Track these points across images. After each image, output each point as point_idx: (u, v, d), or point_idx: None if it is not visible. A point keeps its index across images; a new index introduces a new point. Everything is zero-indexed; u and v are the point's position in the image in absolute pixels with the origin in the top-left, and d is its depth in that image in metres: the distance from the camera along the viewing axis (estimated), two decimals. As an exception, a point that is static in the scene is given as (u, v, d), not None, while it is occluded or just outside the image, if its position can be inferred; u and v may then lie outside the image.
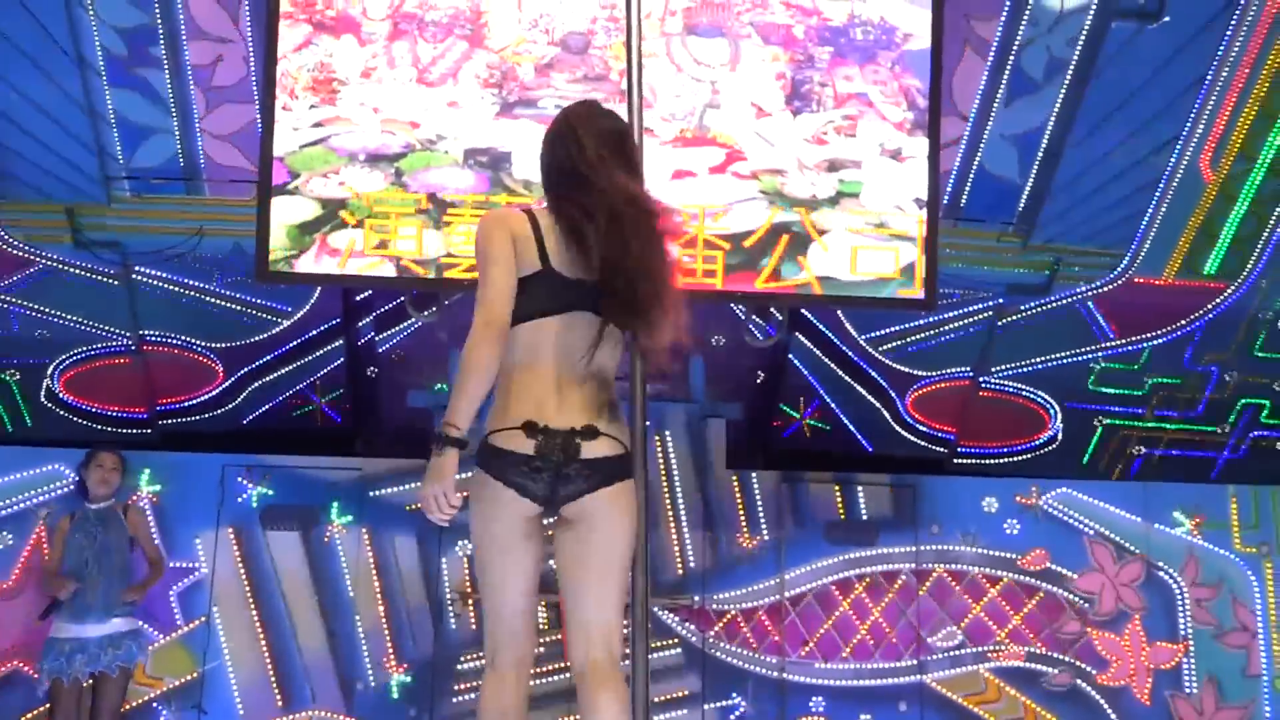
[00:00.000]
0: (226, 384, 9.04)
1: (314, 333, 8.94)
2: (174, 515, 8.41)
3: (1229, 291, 8.95)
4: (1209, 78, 8.19)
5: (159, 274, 8.50)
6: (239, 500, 8.50)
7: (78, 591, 7.20)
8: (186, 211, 8.26)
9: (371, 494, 8.60)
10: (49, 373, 8.92)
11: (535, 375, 3.62)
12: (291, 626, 8.41)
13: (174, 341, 8.85)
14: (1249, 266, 8.85)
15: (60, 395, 9.01)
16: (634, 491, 3.71)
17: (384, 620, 8.46)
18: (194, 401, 9.08)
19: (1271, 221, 8.68)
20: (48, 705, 7.27)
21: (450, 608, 8.42)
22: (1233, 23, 8.03)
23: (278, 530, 8.48)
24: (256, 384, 9.07)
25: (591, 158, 3.70)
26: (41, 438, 8.79)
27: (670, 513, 8.66)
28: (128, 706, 7.60)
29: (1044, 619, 8.89)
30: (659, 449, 8.68)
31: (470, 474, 3.67)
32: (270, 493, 8.52)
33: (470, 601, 8.39)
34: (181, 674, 8.25)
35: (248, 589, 8.42)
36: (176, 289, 8.56)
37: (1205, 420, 9.56)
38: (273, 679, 8.33)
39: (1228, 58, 8.13)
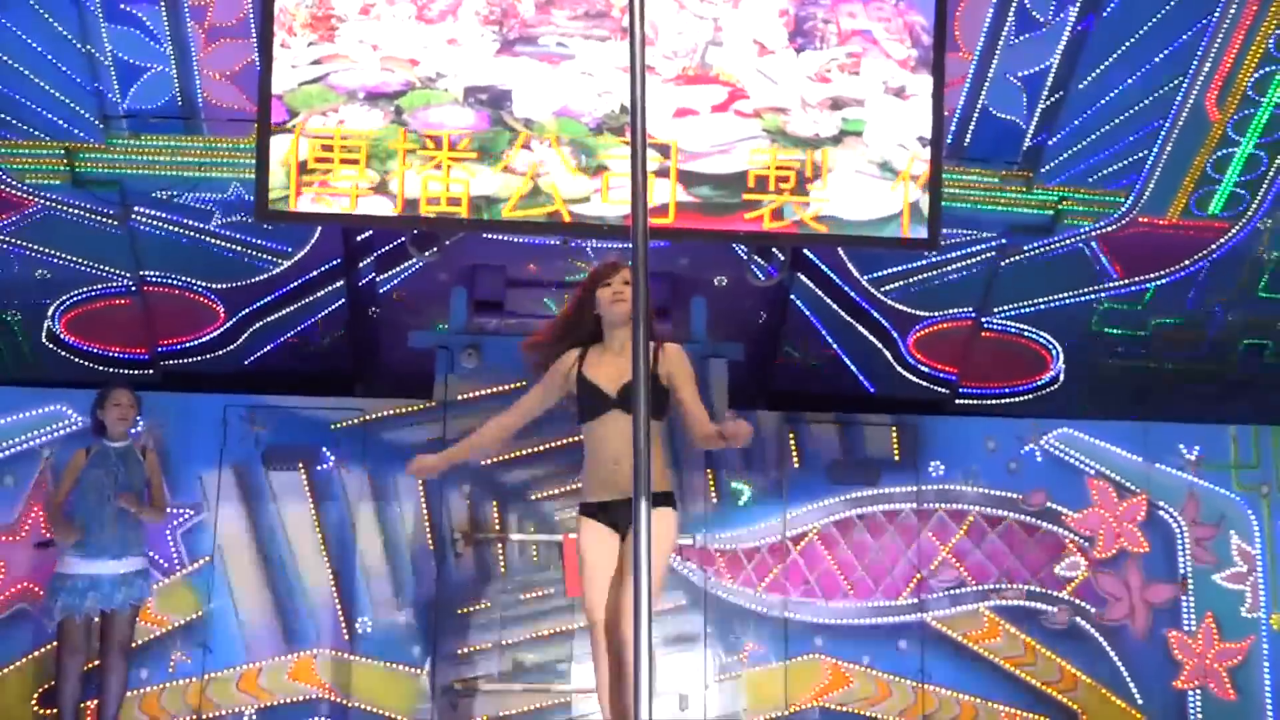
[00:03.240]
0: (228, 325, 9.07)
1: (314, 273, 8.96)
2: (177, 455, 8.45)
3: (1233, 232, 8.98)
4: (1215, 15, 8.18)
5: (158, 214, 8.51)
6: (241, 440, 8.55)
7: (90, 529, 7.23)
8: (186, 150, 8.25)
9: (373, 435, 8.64)
10: (50, 313, 8.95)
11: None
12: (294, 567, 8.48)
13: (175, 282, 8.87)
14: (1254, 207, 8.88)
15: (61, 336, 9.04)
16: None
17: (386, 559, 8.52)
18: (195, 342, 9.12)
19: (1277, 161, 8.69)
20: (56, 641, 7.33)
21: (453, 547, 8.48)
22: (1241, -41, 8.00)
23: (280, 470, 8.54)
24: (258, 324, 9.09)
25: None
26: (43, 378, 8.83)
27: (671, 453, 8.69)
28: (135, 645, 7.68)
29: (1044, 558, 8.97)
30: (661, 389, 8.68)
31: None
32: (272, 433, 8.56)
33: (472, 542, 8.45)
34: (187, 613, 8.34)
35: (250, 529, 8.48)
36: (176, 229, 8.58)
37: (1208, 361, 9.57)
38: (276, 618, 8.41)
39: (1234, -5, 8.11)
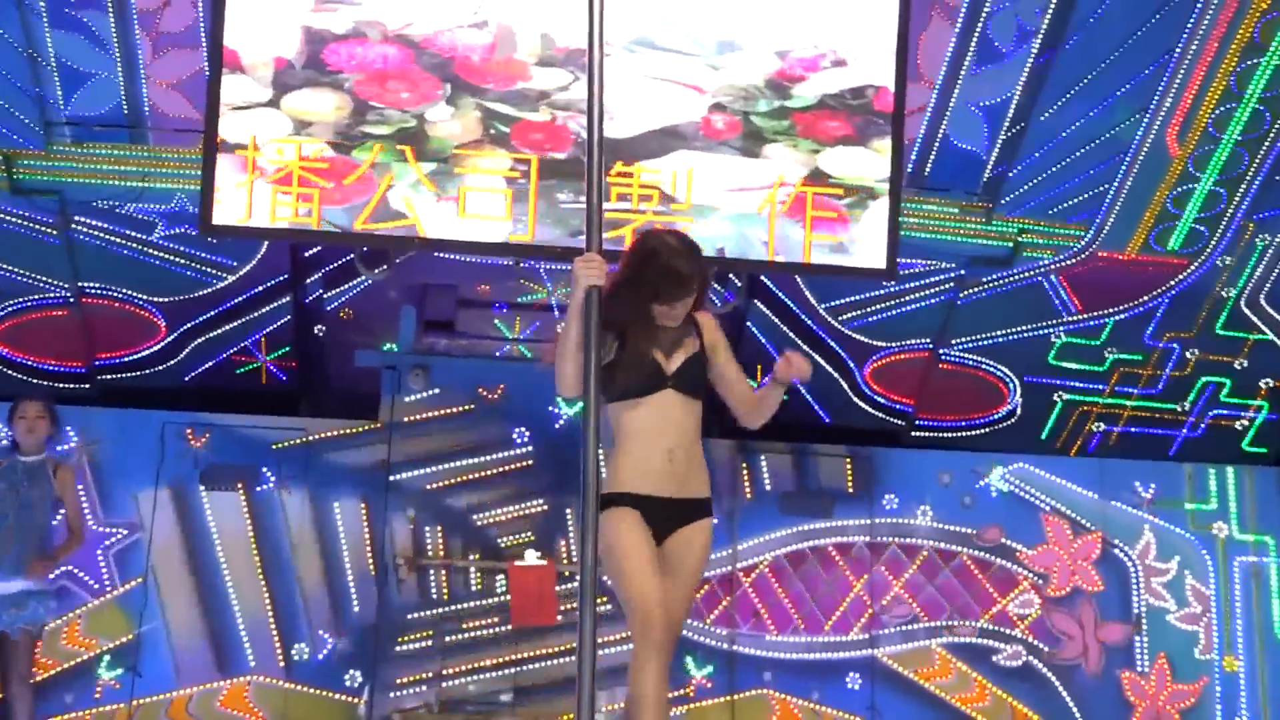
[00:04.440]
0: (169, 339, 9.01)
1: (260, 289, 8.91)
2: (112, 473, 8.40)
3: (1192, 268, 9.09)
4: (1177, 51, 8.29)
5: (99, 224, 8.45)
6: (179, 458, 8.49)
7: None
8: (130, 159, 8.19)
9: (315, 455, 8.60)
10: (-16, 324, 8.88)
11: None
12: (230, 589, 8.41)
13: (115, 294, 8.80)
14: (1213, 244, 8.99)
15: (-3, 348, 8.96)
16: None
17: (325, 584, 8.49)
18: (135, 357, 9.04)
19: (1236, 198, 8.81)
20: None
21: (395, 573, 8.45)
22: (1203, -3, 8.13)
23: (218, 490, 8.49)
24: (199, 340, 9.03)
25: None
26: (-27, 391, 8.72)
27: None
28: (61, 668, 7.57)
29: (998, 595, 9.03)
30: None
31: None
32: (211, 452, 8.52)
33: (415, 568, 8.42)
34: (117, 636, 8.26)
35: (186, 549, 8.42)
36: (118, 240, 8.51)
37: (1165, 398, 9.69)
38: (210, 643, 8.34)
39: (1197, 31, 8.23)
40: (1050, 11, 8.21)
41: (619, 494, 4.30)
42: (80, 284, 8.68)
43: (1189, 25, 8.21)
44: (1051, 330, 9.35)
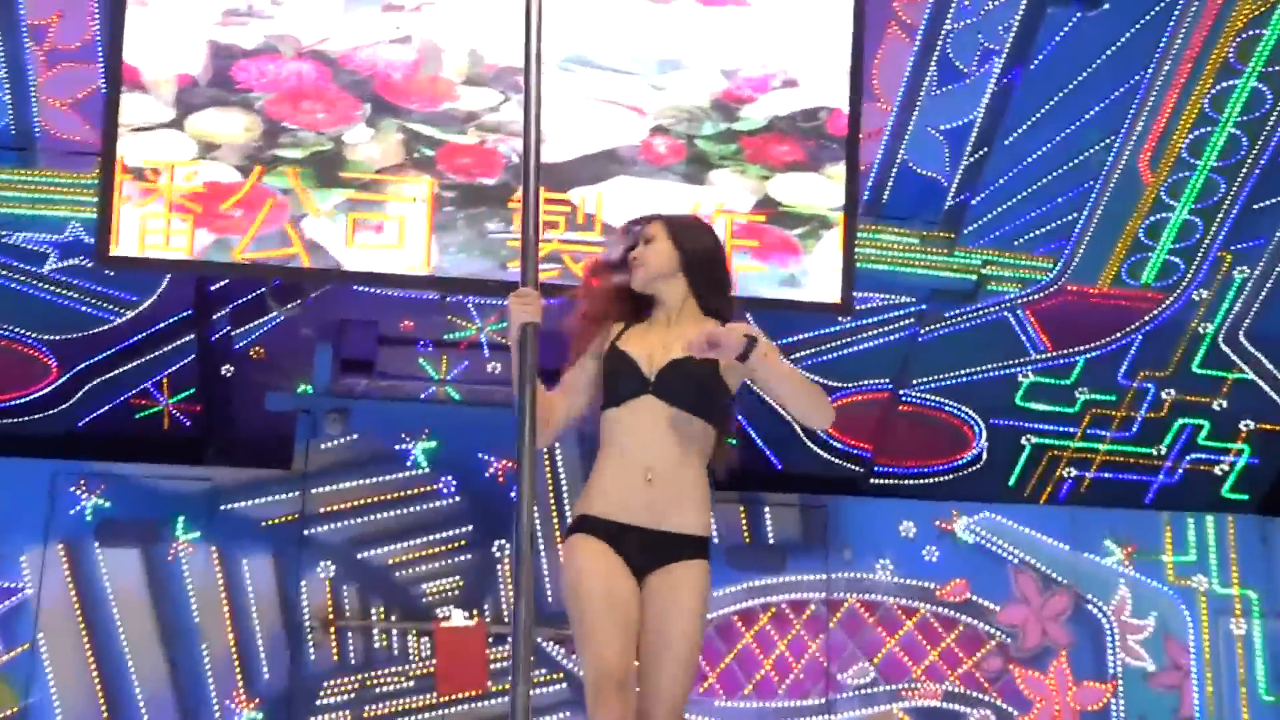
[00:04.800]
0: (60, 381, 8.90)
1: (162, 325, 8.83)
2: (-5, 528, 8.27)
3: (1167, 302, 9.20)
4: (1149, 72, 8.43)
5: (-16, 256, 8.37)
6: (71, 512, 8.38)
7: None
8: (18, 184, 8.11)
9: (223, 507, 8.52)
10: None
11: None
12: (128, 655, 8.30)
13: (1, 332, 8.69)
14: (1188, 277, 9.11)
15: None
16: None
17: (233, 649, 8.40)
18: (21, 400, 8.92)
19: (1212, 229, 8.94)
20: None
21: (310, 636, 8.38)
22: (1175, 14, 8.28)
23: (114, 547, 8.38)
24: (95, 382, 8.93)
25: None
26: None
27: (559, 532, 8.68)
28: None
29: (963, 654, 9.06)
30: (547, 463, 8.71)
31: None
32: (107, 504, 8.42)
33: (332, 630, 8.35)
34: (0, 709, 8.12)
35: (79, 613, 8.31)
36: (4, 273, 8.43)
37: (1140, 441, 9.78)
38: (105, 714, 8.22)
39: (1170, 51, 8.37)
40: (1014, 29, 8.33)
41: (582, 517, 4.00)
42: (-39, 321, 8.59)
43: (1161, 45, 8.35)
44: (1018, 369, 9.42)
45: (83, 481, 8.45)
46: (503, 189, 7.68)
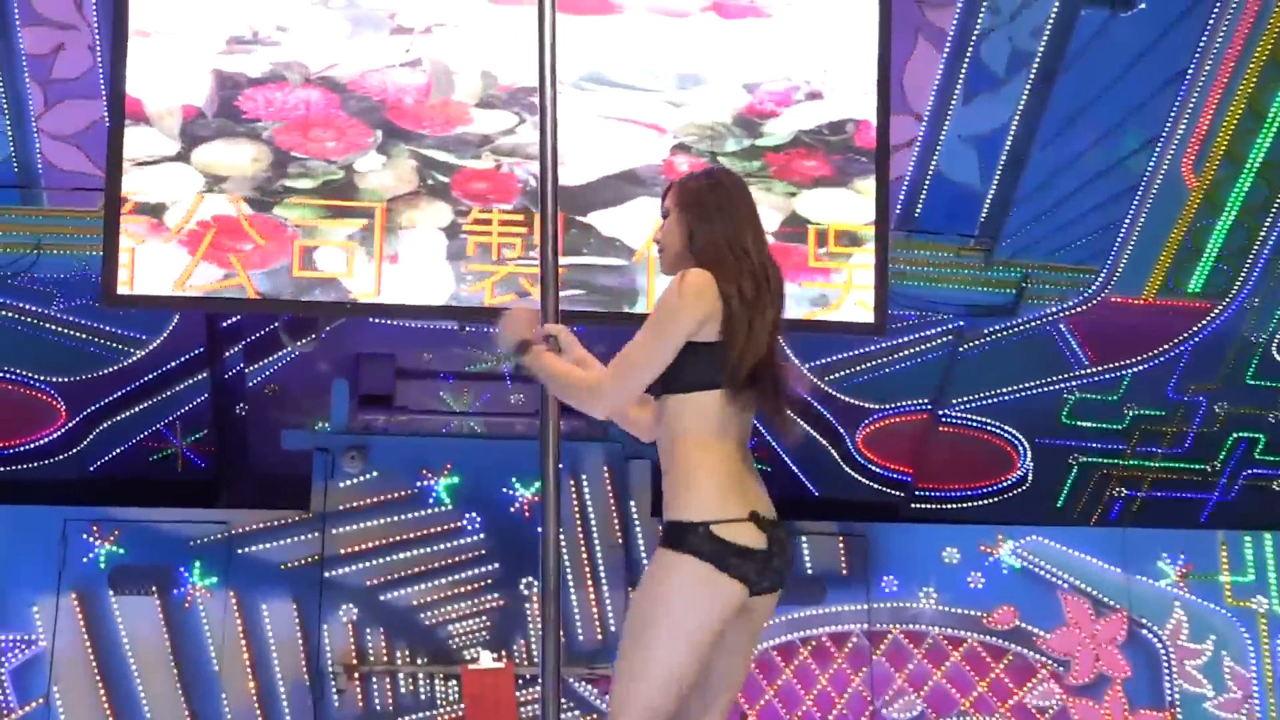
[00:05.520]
0: (70, 425, 8.97)
1: (173, 364, 8.90)
2: (6, 579, 8.30)
3: (1216, 312, 9.18)
4: (1190, 72, 8.42)
5: (-12, 297, 8.45)
6: (84, 560, 8.42)
7: None
8: (22, 224, 8.21)
9: (240, 551, 8.56)
10: None
11: (731, 451, 3.78)
12: (146, 707, 8.33)
13: (7, 376, 8.77)
14: (1238, 284, 9.08)
15: None
16: None
17: (255, 697, 8.41)
18: (31, 446, 8.99)
19: (1262, 233, 8.91)
20: None
21: (333, 682, 8.41)
22: (1215, 10, 8.26)
23: (129, 595, 8.40)
24: (105, 424, 9.01)
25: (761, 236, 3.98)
26: None
27: (588, 568, 8.72)
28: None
29: (1014, 685, 9.01)
30: (574, 495, 8.72)
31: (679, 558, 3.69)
32: (121, 551, 8.46)
33: (356, 676, 8.39)
34: (16, 766, 8.19)
35: (94, 664, 8.34)
36: (9, 314, 8.50)
37: (1193, 457, 9.75)
38: (124, 770, 8.29)
39: (1210, 49, 8.36)
40: (1047, 33, 8.33)
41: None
42: (-34, 364, 8.68)
43: (1201, 43, 8.35)
44: (1063, 386, 9.41)
45: (95, 528, 8.48)
46: (520, 214, 7.74)
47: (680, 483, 3.72)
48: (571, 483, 8.70)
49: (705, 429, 3.75)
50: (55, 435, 9.00)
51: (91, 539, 8.46)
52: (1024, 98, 8.55)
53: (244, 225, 7.64)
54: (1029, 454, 9.67)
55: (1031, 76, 8.48)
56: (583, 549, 8.73)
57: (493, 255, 7.77)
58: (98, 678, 8.34)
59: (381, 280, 7.69)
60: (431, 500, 8.69)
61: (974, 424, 9.56)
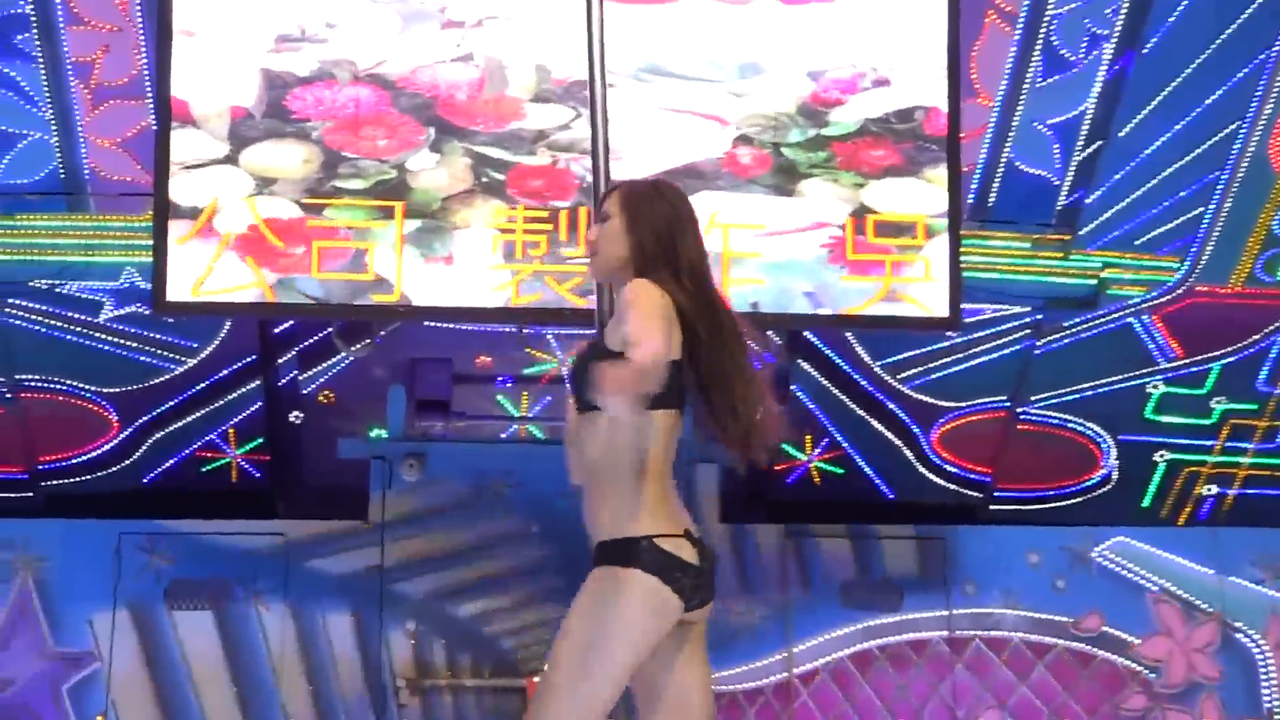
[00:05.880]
0: (122, 436, 9.02)
1: (226, 373, 8.92)
2: (62, 594, 8.36)
3: (1309, 300, 9.02)
4: (1274, 50, 8.28)
5: (37, 307, 8.48)
6: (139, 574, 8.46)
7: None
8: (69, 231, 8.25)
9: (297, 563, 8.57)
10: (-93, 428, 8.91)
11: (667, 472, 3.81)
12: (205, 724, 8.39)
13: (57, 387, 8.82)
14: (1331, 270, 8.93)
15: (-80, 456, 8.99)
16: None
17: (315, 713, 8.43)
18: (83, 458, 9.04)
19: (1355, 216, 8.78)
20: None
21: (395, 697, 8.41)
22: (1302, -15, 8.15)
23: (186, 609, 8.45)
24: (158, 435, 9.05)
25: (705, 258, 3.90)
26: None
27: (654, 576, 8.64)
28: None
29: (1103, 693, 8.90)
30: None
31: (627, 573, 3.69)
32: (176, 565, 8.49)
33: (419, 689, 8.38)
34: (74, 787, 8.24)
35: (151, 680, 8.39)
36: (58, 324, 8.55)
37: (1287, 452, 9.63)
38: (184, 788, 8.32)
39: (1298, 26, 8.24)
40: (1124, 12, 8.25)
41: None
42: (16, 376, 8.70)
43: (1287, 20, 8.24)
44: (1147, 380, 9.30)
45: (150, 541, 8.53)
46: (545, 210, 7.70)
47: (625, 500, 3.72)
48: (636, 488, 8.62)
49: (651, 447, 3.73)
50: (108, 447, 9.05)
51: (147, 553, 8.49)
52: (1100, 81, 8.46)
53: (295, 228, 7.62)
54: (1113, 451, 9.57)
55: (1108, 58, 8.38)
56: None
57: (517, 254, 7.72)
58: (155, 695, 8.38)
59: (436, 283, 7.65)
60: (493, 508, 8.66)
61: (1054, 421, 9.46)
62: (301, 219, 7.64)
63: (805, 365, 9.15)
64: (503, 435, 9.08)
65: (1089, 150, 8.59)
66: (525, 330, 8.43)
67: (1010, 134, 8.58)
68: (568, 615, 3.72)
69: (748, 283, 7.69)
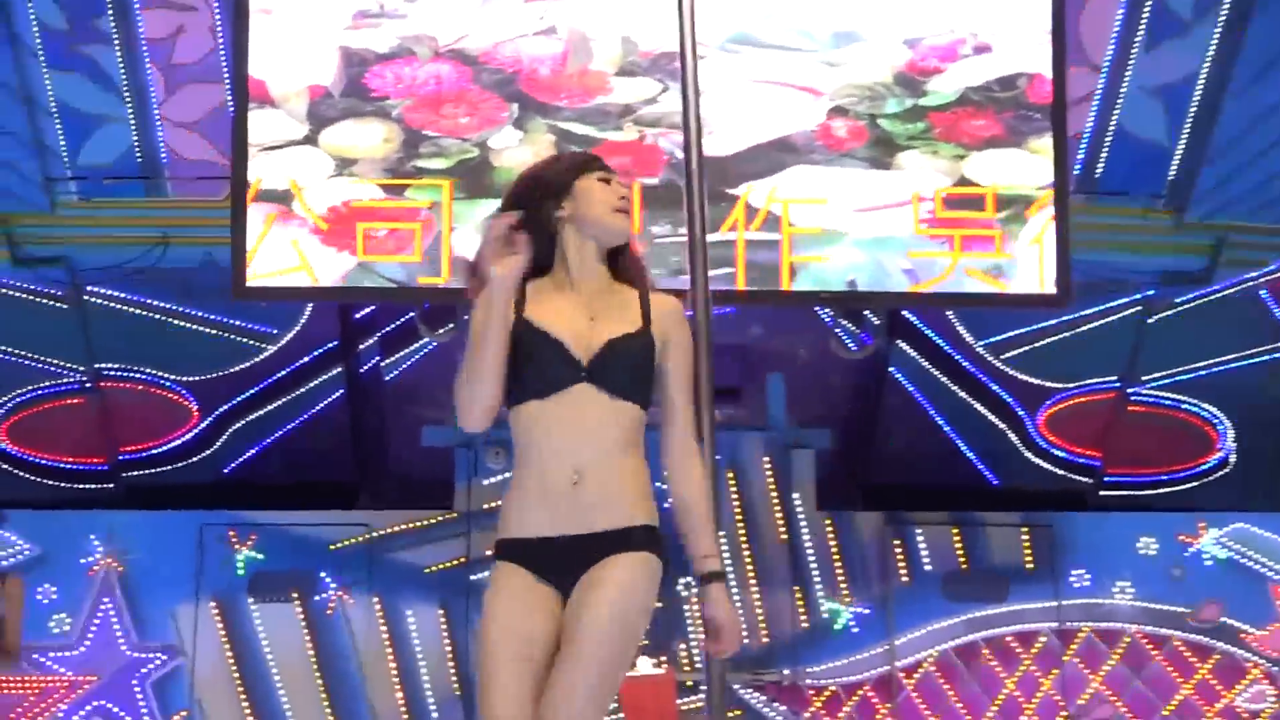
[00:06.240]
0: (203, 426, 9.08)
1: (306, 360, 8.97)
2: (143, 587, 8.45)
3: None
4: (1400, 7, 8.12)
5: (115, 294, 8.55)
6: (222, 566, 8.52)
7: None
8: (147, 217, 8.31)
9: (382, 555, 8.59)
10: (-11, 419, 9.02)
11: None
12: (290, 718, 8.42)
13: (137, 375, 8.90)
14: None
15: (3, 446, 9.07)
16: None
17: (403, 707, 8.45)
18: (164, 448, 9.13)
19: None
20: None
21: (484, 691, 8.40)
22: None
23: (269, 602, 8.50)
24: (239, 424, 9.10)
25: None
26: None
27: (750, 567, 8.61)
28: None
29: (1222, 687, 8.77)
30: (732, 489, 8.61)
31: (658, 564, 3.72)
32: (259, 556, 8.54)
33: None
34: (160, 781, 8.31)
35: (236, 674, 8.45)
36: (137, 311, 8.62)
37: None
38: (270, 783, 8.37)
39: None
40: (1240, -31, 8.11)
41: (501, 541, 3.64)
42: (97, 365, 8.80)
43: None
44: (1267, 357, 9.17)
45: (232, 533, 8.59)
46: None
47: (642, 489, 3.69)
48: (730, 475, 8.59)
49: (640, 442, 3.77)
50: (188, 437, 9.13)
51: (229, 544, 8.54)
52: (1214, 43, 8.31)
53: (376, 210, 7.61)
54: (1230, 433, 9.46)
55: (1222, 19, 8.23)
56: (744, 546, 8.63)
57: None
58: (239, 688, 8.46)
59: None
60: (580, 496, 8.63)
61: (1168, 402, 9.36)
62: (383, 200, 7.63)
63: (904, 347, 9.07)
64: (590, 419, 9.03)
65: (1202, 117, 8.44)
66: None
67: (1118, 101, 8.46)
68: (621, 593, 3.55)
69: (844, 262, 7.60)
